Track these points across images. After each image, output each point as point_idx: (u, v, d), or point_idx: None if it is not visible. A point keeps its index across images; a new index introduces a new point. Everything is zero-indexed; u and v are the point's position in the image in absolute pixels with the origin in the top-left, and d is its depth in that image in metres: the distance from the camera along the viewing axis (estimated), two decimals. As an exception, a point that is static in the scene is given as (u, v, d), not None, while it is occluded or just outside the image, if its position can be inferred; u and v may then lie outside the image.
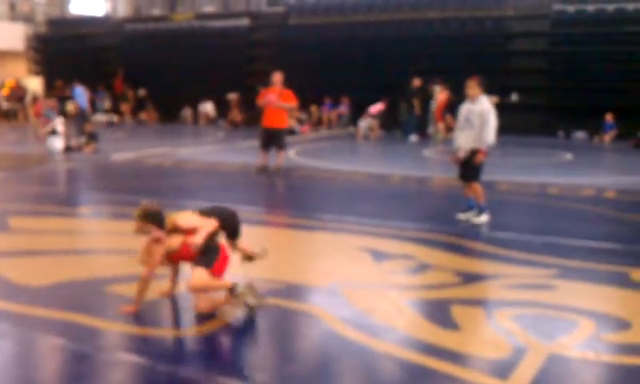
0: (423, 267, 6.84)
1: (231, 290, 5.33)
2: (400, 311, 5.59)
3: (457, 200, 9.76)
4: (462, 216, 9.18)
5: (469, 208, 9.20)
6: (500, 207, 10.16)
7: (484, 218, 9.02)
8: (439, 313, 5.50)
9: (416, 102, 22.43)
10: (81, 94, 21.64)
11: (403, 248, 7.68)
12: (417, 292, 6.11)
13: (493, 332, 5.16)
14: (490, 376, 4.37)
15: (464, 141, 9.02)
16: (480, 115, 8.77)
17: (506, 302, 5.82)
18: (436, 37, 25.62)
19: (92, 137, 17.43)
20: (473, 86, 8.90)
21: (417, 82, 22.57)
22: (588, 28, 24.09)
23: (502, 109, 24.02)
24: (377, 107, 22.97)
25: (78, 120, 20.92)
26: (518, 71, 24.65)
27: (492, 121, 8.77)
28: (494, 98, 16.66)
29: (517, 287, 6.23)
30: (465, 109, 9.04)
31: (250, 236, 8.72)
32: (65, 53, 31.76)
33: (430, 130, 22.87)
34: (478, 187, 9.06)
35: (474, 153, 8.91)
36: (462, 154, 9.03)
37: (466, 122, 8.96)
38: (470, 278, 6.51)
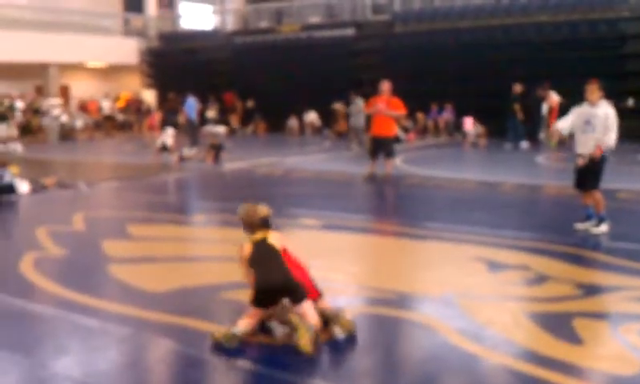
0: (541, 279, 6.60)
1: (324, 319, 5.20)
2: (519, 324, 5.41)
3: (573, 208, 9.40)
4: (579, 226, 8.78)
5: (587, 217, 8.81)
6: (621, 216, 9.71)
7: (603, 228, 8.63)
8: (561, 326, 5.29)
9: (517, 107, 21.85)
10: (191, 106, 22.23)
11: (519, 258, 7.44)
12: (536, 304, 5.90)
13: (618, 347, 4.92)
14: (618, 393, 4.16)
15: (582, 147, 8.68)
16: (605, 119, 8.44)
17: (631, 315, 5.55)
18: (546, 41, 24.88)
19: (215, 148, 17.79)
20: (594, 90, 8.60)
21: (517, 88, 21.98)
22: None
23: (618, 115, 23.31)
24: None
25: (188, 130, 21.57)
26: (634, 74, 23.58)
27: (616, 125, 8.49)
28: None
29: (642, 300, 5.93)
30: (584, 113, 8.67)
31: (360, 245, 8.72)
32: (176, 66, 32.75)
33: (542, 135, 22.20)
34: (598, 195, 8.67)
35: (593, 159, 8.56)
36: (581, 162, 8.66)
37: (586, 125, 8.59)
38: (591, 291, 6.25)
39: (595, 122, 8.47)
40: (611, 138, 8.47)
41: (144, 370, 4.84)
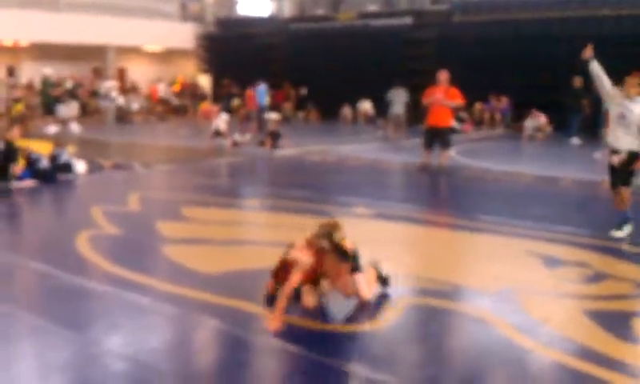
0: (600, 276, 6.42)
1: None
2: (576, 321, 5.26)
3: (634, 207, 9.10)
4: (617, 233, 8.09)
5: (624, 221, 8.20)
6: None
7: (627, 230, 8.06)
8: (620, 325, 5.14)
9: (585, 102, 21.30)
10: (262, 92, 22.35)
11: (577, 255, 7.26)
12: (594, 302, 5.73)
13: (681, 349, 4.75)
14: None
15: (617, 141, 8.13)
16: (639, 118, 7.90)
17: (695, 317, 5.34)
18: (607, 35, 24.24)
19: (273, 135, 17.87)
20: (634, 84, 8.10)
21: (578, 82, 21.44)
22: None
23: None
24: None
25: (258, 117, 21.78)
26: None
27: None
28: None
29: None
30: (620, 104, 8.14)
31: (413, 235, 8.61)
32: (232, 51, 32.90)
33: (602, 132, 21.64)
34: (627, 193, 8.16)
35: (631, 157, 8.03)
36: (616, 160, 8.13)
37: (621, 119, 8.06)
38: (652, 290, 6.05)
39: (631, 117, 7.97)
40: None
41: (192, 350, 4.86)
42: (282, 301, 5.07)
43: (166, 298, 5.67)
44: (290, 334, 4.89)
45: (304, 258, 5.24)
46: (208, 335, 5.12)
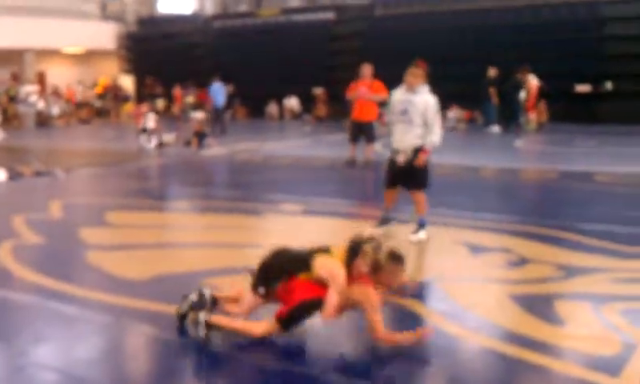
0: (523, 261, 6.62)
1: None
2: (502, 306, 5.41)
3: (552, 191, 9.44)
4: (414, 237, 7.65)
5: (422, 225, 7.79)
6: (601, 198, 9.79)
7: (423, 235, 7.66)
8: (543, 307, 5.31)
9: (492, 91, 21.90)
10: (217, 91, 21.87)
11: (500, 241, 7.46)
12: (518, 286, 5.90)
13: (601, 327, 4.94)
14: (598, 372, 4.17)
15: (400, 143, 7.74)
16: (424, 109, 7.54)
17: (613, 296, 5.56)
18: (525, 24, 24.93)
19: (199, 135, 17.68)
20: (418, 74, 7.63)
21: (492, 72, 22.03)
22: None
23: (597, 97, 23.50)
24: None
25: (214, 117, 21.35)
26: (613, 57, 23.69)
27: (438, 122, 7.68)
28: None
29: (623, 281, 5.96)
30: (400, 99, 7.71)
31: (341, 229, 8.68)
32: (155, 51, 32.48)
33: (522, 120, 22.27)
34: (422, 197, 7.79)
35: (416, 153, 7.63)
36: (401, 159, 7.70)
37: (403, 115, 7.62)
38: (572, 272, 6.26)
39: (413, 110, 7.56)
40: (437, 133, 7.67)
41: (124, 358, 4.78)
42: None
43: (93, 306, 5.56)
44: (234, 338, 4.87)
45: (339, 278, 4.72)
46: (139, 342, 5.04)
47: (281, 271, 4.82)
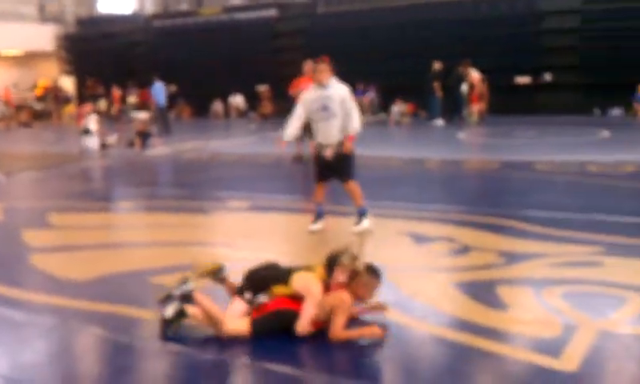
0: (465, 249, 6.76)
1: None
2: (446, 293, 5.52)
3: (493, 181, 9.65)
4: (358, 228, 7.82)
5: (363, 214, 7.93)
6: (540, 186, 10.03)
7: (367, 223, 7.82)
8: (486, 293, 5.43)
9: (436, 85, 22.23)
10: (159, 90, 21.50)
11: (444, 231, 7.60)
12: (461, 274, 6.03)
13: (542, 311, 5.07)
14: (541, 354, 4.30)
15: (325, 139, 7.82)
16: (342, 100, 7.62)
17: (553, 280, 5.71)
18: (466, 19, 25.34)
19: (142, 135, 17.47)
20: (325, 69, 7.64)
21: (437, 65, 22.35)
22: (620, 3, 23.62)
23: (536, 89, 24.03)
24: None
25: (157, 116, 20.98)
26: (550, 50, 24.26)
27: (355, 108, 7.77)
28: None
29: (563, 265, 6.12)
30: (315, 98, 7.72)
31: (287, 224, 8.73)
32: (95, 51, 31.99)
33: (464, 112, 22.63)
34: (354, 186, 7.97)
35: (340, 144, 7.76)
36: (329, 153, 7.77)
37: (323, 111, 7.66)
38: (514, 258, 6.42)
39: (332, 104, 7.66)
40: (357, 121, 7.80)
41: (73, 360, 4.72)
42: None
43: (38, 309, 5.49)
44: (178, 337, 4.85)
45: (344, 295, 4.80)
46: (88, 344, 4.97)
47: (264, 282, 4.94)
